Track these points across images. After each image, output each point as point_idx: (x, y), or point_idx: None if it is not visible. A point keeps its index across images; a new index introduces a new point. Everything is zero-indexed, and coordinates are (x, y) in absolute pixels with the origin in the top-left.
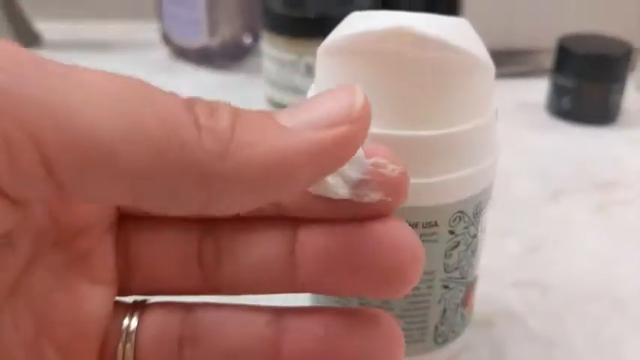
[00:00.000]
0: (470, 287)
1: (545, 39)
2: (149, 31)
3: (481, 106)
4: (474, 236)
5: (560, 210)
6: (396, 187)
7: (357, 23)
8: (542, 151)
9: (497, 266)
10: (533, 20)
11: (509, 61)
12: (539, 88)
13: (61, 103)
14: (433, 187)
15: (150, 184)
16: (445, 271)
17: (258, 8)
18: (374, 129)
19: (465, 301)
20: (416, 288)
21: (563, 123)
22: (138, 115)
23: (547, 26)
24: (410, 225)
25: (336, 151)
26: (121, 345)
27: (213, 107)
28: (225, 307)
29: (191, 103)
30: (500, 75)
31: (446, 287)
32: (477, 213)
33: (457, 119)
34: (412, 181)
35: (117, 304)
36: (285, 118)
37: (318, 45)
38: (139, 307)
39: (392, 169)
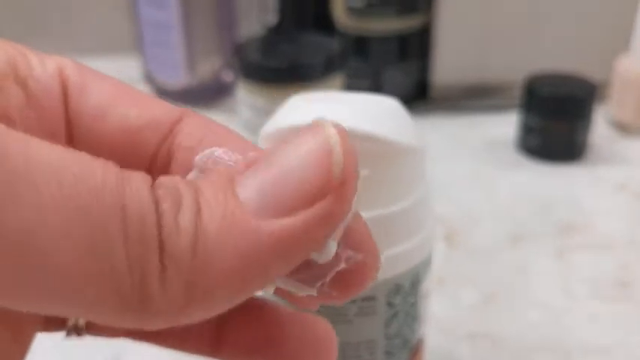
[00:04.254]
0: (415, 348)
1: (518, 73)
2: (129, 68)
3: (411, 186)
4: (413, 304)
5: (518, 256)
6: (347, 281)
7: (294, 113)
8: (507, 190)
9: (451, 317)
10: (505, 54)
11: (481, 94)
12: (510, 123)
13: (15, 224)
14: None
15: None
16: (386, 338)
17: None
18: None
19: None
20: (358, 356)
21: (530, 160)
22: (104, 253)
23: (520, 60)
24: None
25: (311, 236)
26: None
27: (177, 204)
28: None
29: (158, 203)
30: (472, 109)
31: (389, 353)
32: (415, 283)
33: (387, 201)
34: None
35: None
36: (252, 202)
37: (291, 91)
38: None
39: (348, 256)
